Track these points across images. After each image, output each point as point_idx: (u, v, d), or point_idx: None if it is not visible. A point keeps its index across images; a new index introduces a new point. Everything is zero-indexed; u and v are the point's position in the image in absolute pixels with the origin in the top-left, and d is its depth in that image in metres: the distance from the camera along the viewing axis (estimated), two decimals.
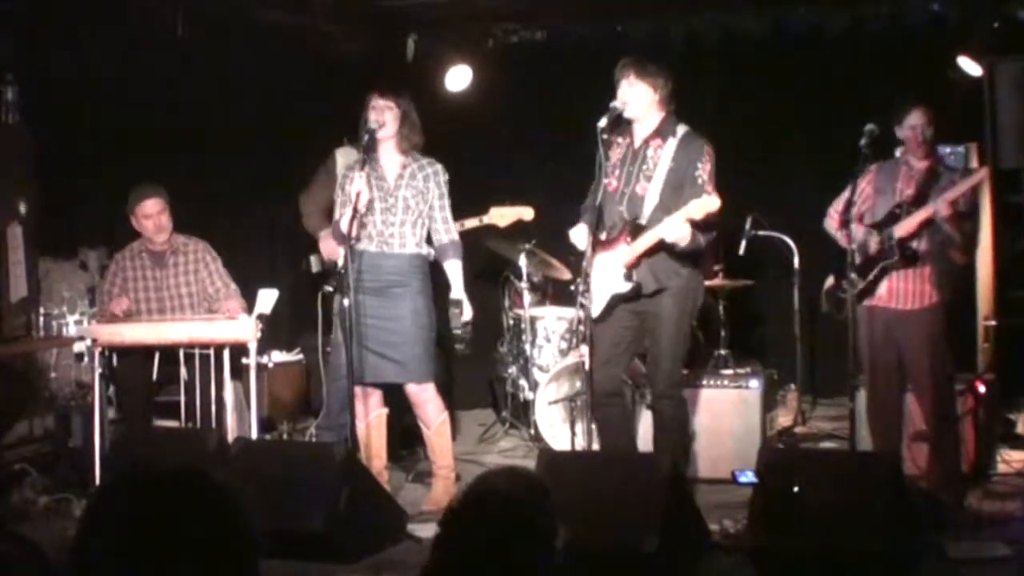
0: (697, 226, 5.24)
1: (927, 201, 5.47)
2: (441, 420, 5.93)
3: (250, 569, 1.86)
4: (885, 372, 5.67)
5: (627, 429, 5.75)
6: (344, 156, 6.89)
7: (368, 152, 5.71)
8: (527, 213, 6.81)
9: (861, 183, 5.64)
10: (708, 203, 5.18)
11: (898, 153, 5.83)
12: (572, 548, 2.36)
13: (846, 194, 5.59)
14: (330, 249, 6.67)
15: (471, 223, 6.72)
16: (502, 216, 6.76)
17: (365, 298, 5.74)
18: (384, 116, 5.73)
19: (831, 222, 5.76)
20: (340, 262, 6.61)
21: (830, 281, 5.76)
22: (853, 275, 5.56)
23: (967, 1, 7.27)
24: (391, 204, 5.78)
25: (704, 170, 5.40)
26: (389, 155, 5.83)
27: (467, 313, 5.91)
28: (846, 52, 7.72)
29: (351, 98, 6.38)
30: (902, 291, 5.58)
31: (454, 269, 5.88)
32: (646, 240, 5.34)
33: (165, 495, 1.84)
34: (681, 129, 5.49)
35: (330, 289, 6.69)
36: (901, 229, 5.49)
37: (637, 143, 5.53)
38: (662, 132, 5.48)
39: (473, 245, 7.57)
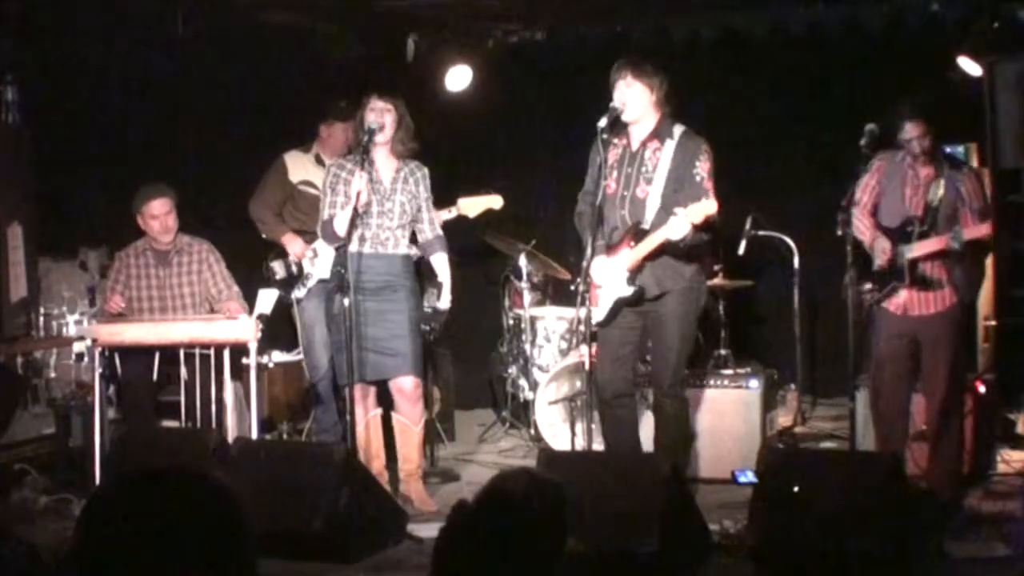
0: (696, 227, 5.26)
1: (936, 221, 5.50)
2: (424, 419, 6.04)
3: (248, 568, 1.86)
4: (894, 371, 5.66)
5: (634, 431, 5.75)
6: (293, 160, 6.89)
7: (366, 153, 5.72)
8: (496, 202, 6.77)
9: (866, 178, 5.67)
10: (707, 207, 5.20)
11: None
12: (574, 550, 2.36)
13: (858, 192, 5.64)
14: (299, 250, 6.67)
15: (441, 215, 6.71)
16: (471, 206, 6.74)
17: (363, 298, 5.75)
18: (384, 118, 5.74)
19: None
20: (307, 265, 6.63)
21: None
22: (851, 274, 5.56)
23: (967, 1, 7.26)
24: (388, 208, 5.81)
25: (703, 168, 5.41)
26: (384, 159, 5.85)
27: (445, 301, 5.94)
28: (846, 52, 7.72)
29: (351, 98, 6.38)
30: (922, 299, 5.59)
31: (442, 261, 5.96)
32: (651, 242, 5.34)
33: (163, 494, 1.84)
34: (678, 130, 5.49)
35: (298, 296, 6.68)
36: (912, 252, 5.51)
37: (635, 145, 5.52)
38: (659, 133, 5.48)
39: (474, 243, 7.60)
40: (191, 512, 1.82)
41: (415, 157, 5.92)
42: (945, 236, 5.44)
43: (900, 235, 5.59)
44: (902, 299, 5.62)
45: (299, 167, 6.85)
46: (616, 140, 5.55)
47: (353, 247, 5.75)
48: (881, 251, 5.64)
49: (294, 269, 6.79)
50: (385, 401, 6.05)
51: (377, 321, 5.79)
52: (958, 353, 5.62)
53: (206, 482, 1.88)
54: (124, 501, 1.85)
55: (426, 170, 5.94)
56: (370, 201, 5.75)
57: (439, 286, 5.96)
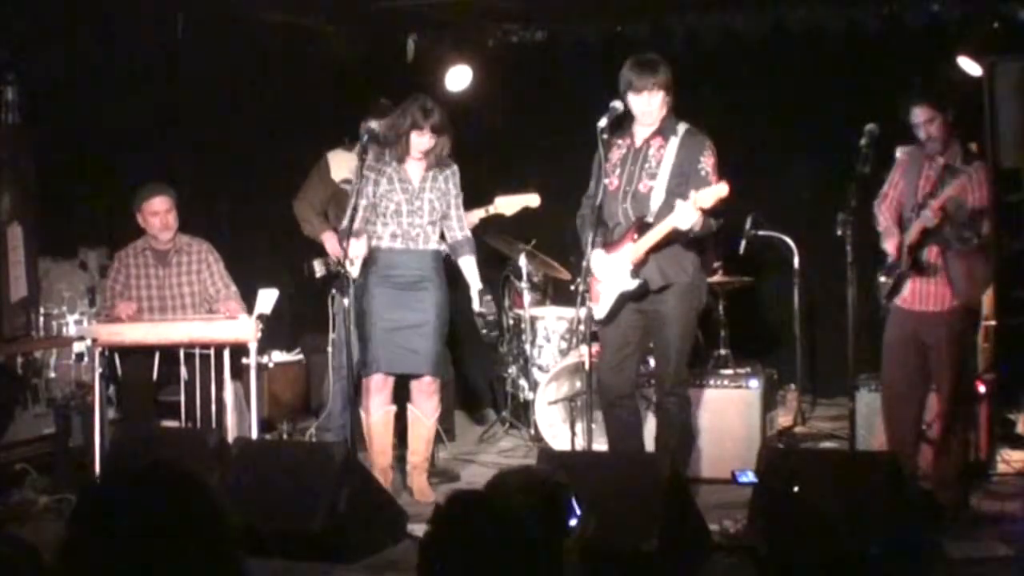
0: (707, 213, 5.27)
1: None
2: (437, 415, 6.13)
3: (233, 566, 1.86)
4: (903, 369, 5.64)
5: (637, 431, 5.76)
6: (336, 159, 6.88)
7: (364, 153, 5.87)
8: (533, 200, 6.79)
9: (894, 174, 5.69)
10: (718, 190, 5.21)
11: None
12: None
13: (885, 186, 5.69)
14: (336, 248, 6.69)
15: (477, 214, 6.73)
16: (508, 205, 6.75)
17: (393, 292, 5.88)
18: (427, 144, 5.85)
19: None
20: (346, 263, 6.65)
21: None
22: (852, 273, 5.57)
23: (967, 1, 7.26)
24: (417, 207, 5.93)
25: (708, 163, 5.44)
26: (415, 160, 5.95)
27: (477, 303, 6.10)
28: (846, 52, 7.72)
29: (351, 98, 6.38)
30: (923, 293, 5.58)
31: (470, 264, 6.08)
32: (657, 232, 5.34)
33: (146, 493, 1.84)
34: (682, 127, 5.51)
35: (335, 293, 6.71)
36: (909, 237, 5.51)
37: (638, 143, 5.53)
38: (664, 131, 5.50)
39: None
40: (173, 510, 1.83)
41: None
42: (924, 214, 5.42)
43: (905, 225, 5.59)
44: (907, 292, 5.62)
45: (342, 165, 6.82)
46: (620, 141, 5.56)
47: (384, 243, 5.91)
48: (890, 242, 5.64)
49: (333, 268, 6.81)
50: (397, 397, 6.11)
51: (405, 315, 5.89)
52: (961, 356, 5.59)
53: (188, 480, 1.89)
54: (109, 500, 1.85)
55: (455, 167, 6.03)
56: (399, 201, 5.89)
57: (486, 290, 6.08)
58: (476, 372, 8.25)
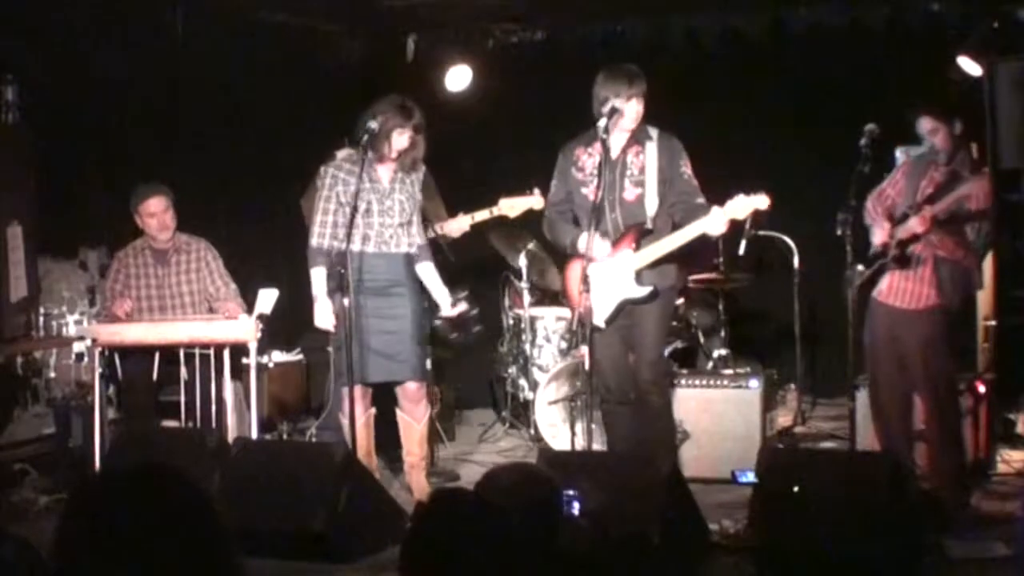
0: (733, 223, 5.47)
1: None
2: (427, 415, 6.14)
3: (228, 568, 1.85)
4: (887, 368, 5.65)
5: (635, 431, 5.80)
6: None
7: (365, 153, 5.75)
8: (537, 202, 6.80)
9: (896, 172, 5.70)
10: (756, 201, 5.37)
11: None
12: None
13: (883, 183, 5.70)
14: None
15: (481, 215, 6.73)
16: (512, 207, 6.76)
17: (366, 298, 5.81)
18: (407, 143, 5.81)
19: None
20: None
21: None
22: (849, 272, 5.56)
23: (967, 1, 7.26)
24: (388, 206, 5.86)
25: (687, 167, 5.60)
26: (385, 161, 5.89)
27: (446, 307, 6.07)
28: (846, 52, 7.72)
29: (351, 98, 6.38)
30: (901, 289, 5.58)
31: (431, 270, 6.01)
32: (683, 235, 5.46)
33: (136, 495, 1.83)
34: (654, 131, 5.62)
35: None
36: (901, 232, 5.50)
37: (615, 152, 5.59)
38: (638, 138, 5.59)
39: (474, 243, 7.60)
40: (163, 511, 1.82)
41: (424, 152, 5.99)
42: (914, 220, 5.43)
43: (902, 218, 5.59)
44: (884, 285, 5.61)
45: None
46: (589, 149, 5.62)
47: (356, 246, 5.79)
48: (880, 231, 5.63)
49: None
50: (387, 399, 6.08)
51: (380, 323, 5.83)
52: (941, 357, 5.56)
53: (179, 482, 1.88)
54: (97, 502, 1.85)
55: (423, 171, 5.98)
56: (370, 200, 5.81)
57: (437, 296, 6.02)
58: (476, 372, 8.24)
